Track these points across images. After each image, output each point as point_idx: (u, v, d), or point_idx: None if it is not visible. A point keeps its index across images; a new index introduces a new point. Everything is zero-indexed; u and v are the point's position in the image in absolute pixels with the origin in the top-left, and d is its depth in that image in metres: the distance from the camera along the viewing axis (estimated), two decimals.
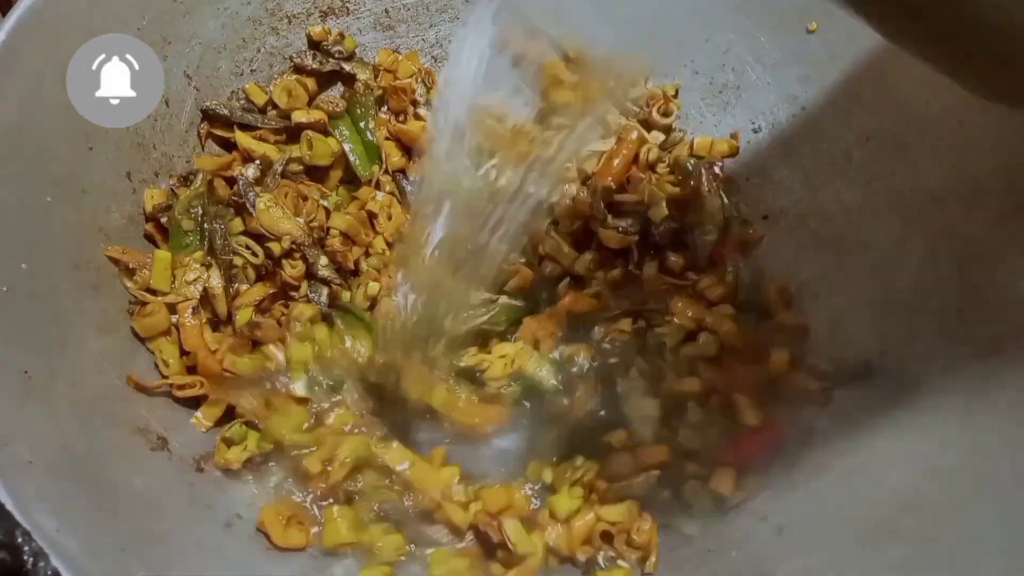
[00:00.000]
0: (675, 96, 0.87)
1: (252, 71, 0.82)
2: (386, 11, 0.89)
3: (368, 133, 0.83)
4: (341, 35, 0.86)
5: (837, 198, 0.78)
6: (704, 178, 0.80)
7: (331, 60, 0.85)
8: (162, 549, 0.52)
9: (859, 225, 0.75)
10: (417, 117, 0.86)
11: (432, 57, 0.92)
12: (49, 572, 0.43)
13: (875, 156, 0.75)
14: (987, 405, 0.57)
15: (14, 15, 0.62)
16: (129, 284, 0.67)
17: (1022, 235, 0.60)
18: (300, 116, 0.80)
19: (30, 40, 0.63)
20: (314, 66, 0.84)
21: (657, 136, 0.85)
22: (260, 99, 0.81)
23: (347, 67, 0.86)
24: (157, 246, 0.71)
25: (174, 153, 0.75)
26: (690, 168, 0.81)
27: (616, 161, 0.82)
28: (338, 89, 0.87)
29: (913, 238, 0.71)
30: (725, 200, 0.80)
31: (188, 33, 0.76)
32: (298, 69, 0.84)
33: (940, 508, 0.55)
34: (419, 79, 0.87)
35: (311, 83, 0.84)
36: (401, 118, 0.86)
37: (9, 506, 0.44)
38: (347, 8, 0.87)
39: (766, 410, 0.68)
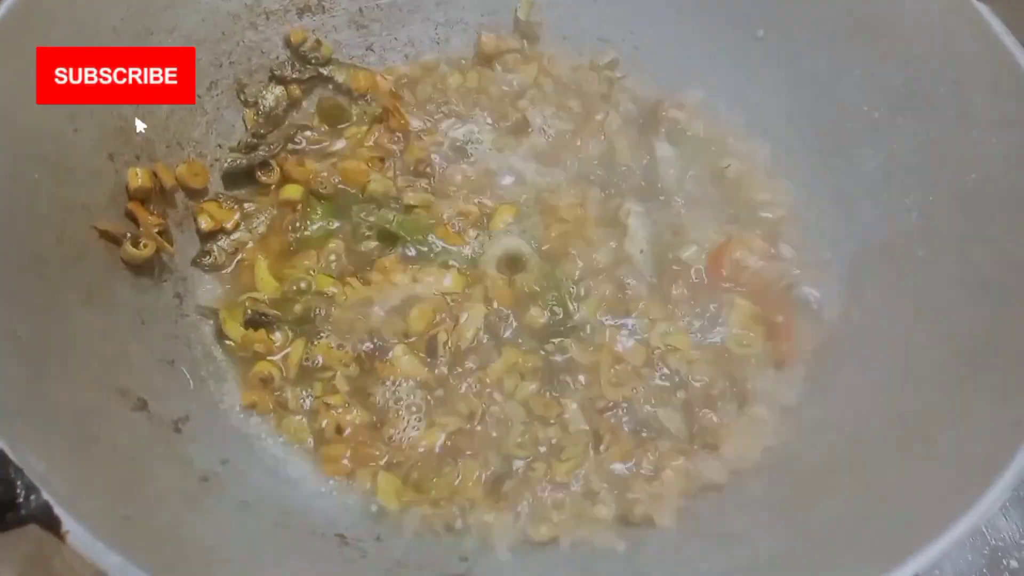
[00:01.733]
0: None
1: (231, 63, 0.87)
2: (360, 10, 0.94)
3: None
4: (318, 42, 0.90)
5: None
6: None
7: (308, 67, 0.89)
8: (144, 495, 0.55)
9: None
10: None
11: (404, 55, 0.96)
12: (40, 504, 0.47)
13: None
14: None
15: (5, 4, 0.66)
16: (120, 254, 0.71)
17: None
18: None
19: (19, 26, 0.66)
20: (294, 76, 0.88)
21: None
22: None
23: (325, 71, 0.91)
24: (138, 224, 0.74)
25: (155, 138, 0.79)
26: None
27: None
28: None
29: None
30: None
31: (170, 25, 0.80)
32: (280, 80, 0.88)
33: None
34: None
35: (296, 90, 0.89)
36: (398, 137, 0.90)
37: (2, 445, 0.48)
38: (323, 6, 0.92)
39: None
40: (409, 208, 0.84)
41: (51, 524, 0.46)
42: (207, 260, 0.80)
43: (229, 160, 0.84)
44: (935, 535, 0.51)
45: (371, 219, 0.83)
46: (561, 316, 0.79)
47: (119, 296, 0.70)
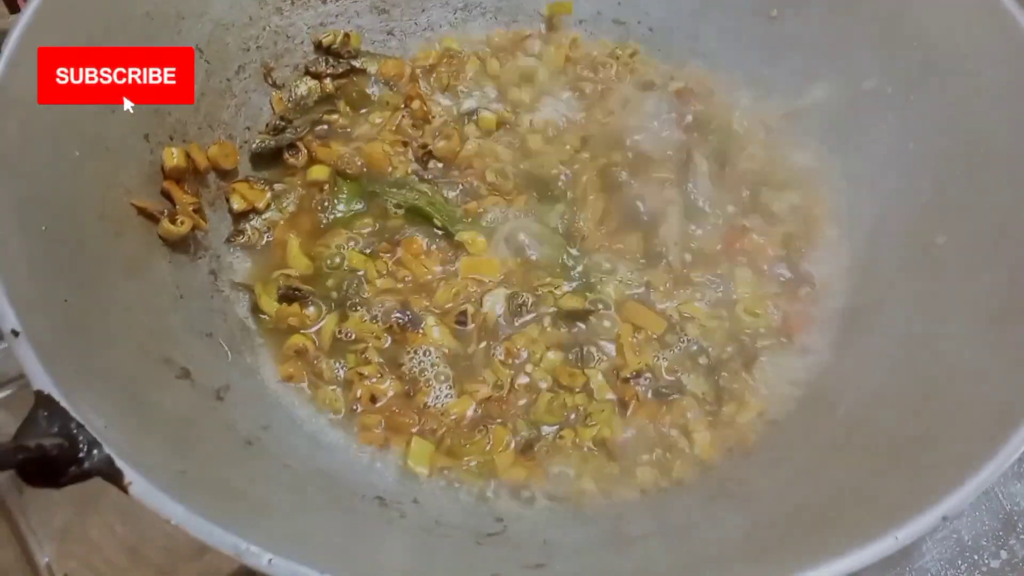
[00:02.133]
0: None
1: (258, 47, 0.89)
2: None
3: None
4: (347, 36, 0.93)
5: None
6: None
7: (341, 61, 0.92)
8: (195, 454, 0.57)
9: None
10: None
11: (424, 39, 0.99)
12: (103, 457, 0.49)
13: None
14: None
15: None
16: (158, 230, 0.73)
17: None
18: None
19: (59, 10, 0.68)
20: (328, 71, 0.91)
21: None
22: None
23: (357, 64, 0.93)
24: (173, 203, 0.76)
25: (187, 119, 0.81)
26: None
27: None
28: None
29: None
30: None
31: (200, 10, 0.82)
32: (314, 75, 0.91)
33: None
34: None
35: (329, 85, 0.92)
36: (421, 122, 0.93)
37: (63, 403, 0.50)
38: None
39: None
40: (433, 188, 0.86)
41: (114, 476, 0.48)
42: (240, 239, 0.82)
43: (258, 141, 0.87)
44: (954, 486, 0.52)
45: (397, 199, 0.85)
46: (582, 295, 0.81)
47: (158, 271, 0.72)
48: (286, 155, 0.87)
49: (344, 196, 0.86)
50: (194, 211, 0.77)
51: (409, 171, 0.88)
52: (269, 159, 0.88)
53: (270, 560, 0.47)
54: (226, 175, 0.84)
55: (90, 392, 0.54)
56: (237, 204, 0.82)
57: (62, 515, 0.80)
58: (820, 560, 0.48)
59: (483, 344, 0.78)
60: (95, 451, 0.49)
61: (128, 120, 0.74)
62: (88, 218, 0.68)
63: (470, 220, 0.85)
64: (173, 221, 0.74)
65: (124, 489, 0.48)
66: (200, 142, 0.82)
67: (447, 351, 0.77)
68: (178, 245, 0.75)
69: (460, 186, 0.87)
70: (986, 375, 0.62)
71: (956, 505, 0.51)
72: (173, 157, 0.76)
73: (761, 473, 0.69)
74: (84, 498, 0.79)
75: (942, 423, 0.60)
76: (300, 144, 0.88)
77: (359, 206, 0.86)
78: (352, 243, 0.83)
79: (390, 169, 0.88)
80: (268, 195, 0.84)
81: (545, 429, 0.74)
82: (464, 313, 0.78)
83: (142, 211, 0.73)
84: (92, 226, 0.67)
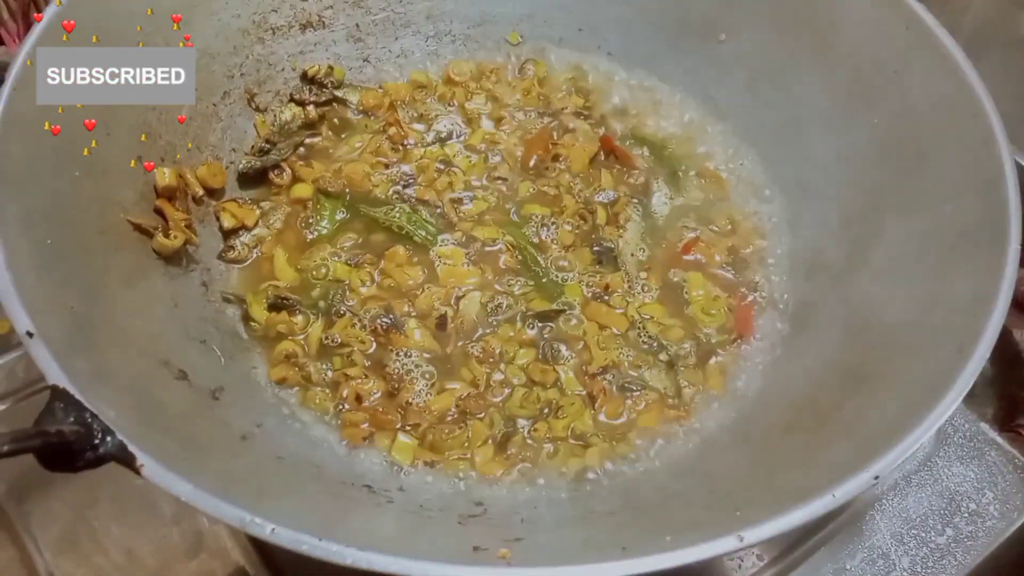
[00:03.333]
0: None
1: (242, 75, 0.94)
2: (357, 25, 1.02)
3: None
4: (331, 67, 0.99)
5: None
6: None
7: (325, 90, 0.98)
8: (197, 445, 0.62)
9: None
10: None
11: (398, 65, 1.05)
12: (117, 443, 0.53)
13: None
14: None
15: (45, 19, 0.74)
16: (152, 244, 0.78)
17: None
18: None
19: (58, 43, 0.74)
20: (312, 99, 0.97)
21: None
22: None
23: (339, 94, 0.99)
24: (166, 220, 0.81)
25: (177, 142, 0.86)
26: None
27: None
28: None
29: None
30: None
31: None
32: (298, 103, 0.97)
33: None
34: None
35: (313, 112, 0.98)
36: (399, 147, 0.99)
37: (77, 395, 0.54)
38: (323, 22, 1.00)
39: None
40: (413, 208, 0.92)
41: (127, 460, 0.53)
42: (231, 254, 0.87)
43: (244, 162, 0.92)
44: (884, 450, 0.59)
45: (378, 217, 0.91)
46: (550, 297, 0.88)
47: (154, 282, 0.77)
48: (271, 175, 0.93)
49: (327, 213, 0.91)
50: (186, 226, 0.82)
51: (390, 192, 0.94)
52: (255, 179, 0.93)
53: (272, 530, 0.51)
54: (215, 194, 0.89)
55: (99, 387, 0.58)
56: (227, 222, 0.87)
57: (61, 523, 0.83)
58: (770, 515, 0.54)
59: (461, 343, 0.83)
60: (108, 437, 0.53)
61: (122, 142, 0.79)
62: (89, 233, 0.72)
63: (448, 234, 0.91)
64: (167, 236, 0.79)
65: (137, 471, 0.53)
66: (189, 163, 0.87)
67: (428, 352, 0.82)
68: (171, 258, 0.80)
69: (438, 208, 0.93)
70: (918, 352, 0.68)
71: (886, 466, 0.58)
72: (165, 177, 0.82)
73: (720, 453, 0.75)
74: (82, 504, 0.83)
75: (879, 396, 0.67)
76: (284, 164, 0.94)
77: (341, 219, 0.91)
78: (336, 256, 0.88)
79: (371, 188, 0.94)
80: (257, 213, 0.89)
81: (520, 423, 0.79)
82: (444, 317, 0.84)
83: (138, 227, 0.77)
84: (93, 240, 0.72)
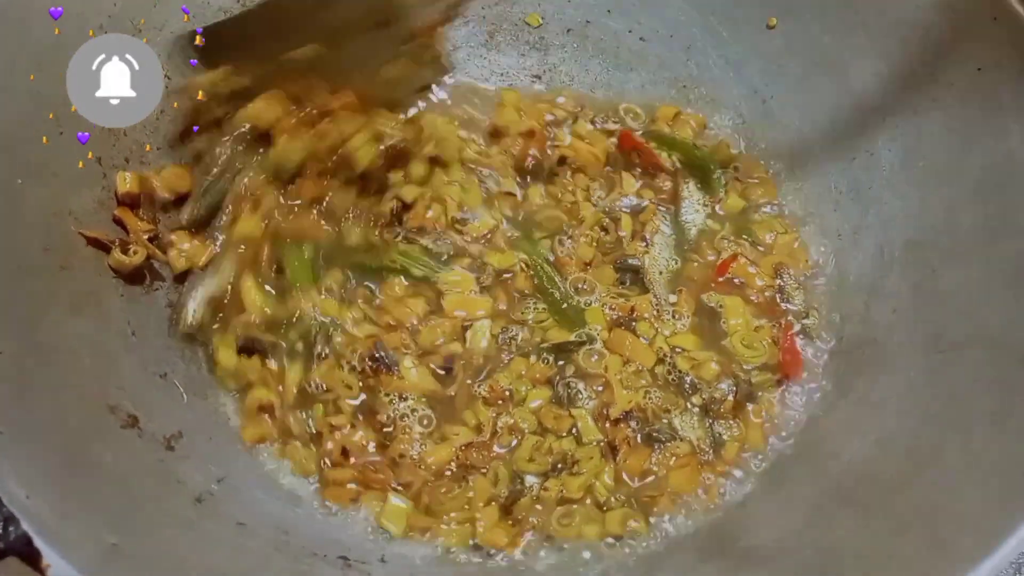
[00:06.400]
0: None
1: None
2: None
3: None
4: None
5: None
6: None
7: None
8: (134, 519, 0.52)
9: None
10: None
11: None
12: (19, 536, 0.44)
13: None
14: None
15: None
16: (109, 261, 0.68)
17: None
18: None
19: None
20: None
21: None
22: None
23: None
24: (126, 230, 0.71)
25: (144, 140, 0.76)
26: None
27: None
28: None
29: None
30: None
31: (159, 22, 0.77)
32: None
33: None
34: None
35: None
36: None
37: None
38: None
39: None
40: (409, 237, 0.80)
41: (30, 557, 0.43)
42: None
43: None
44: (979, 556, 0.47)
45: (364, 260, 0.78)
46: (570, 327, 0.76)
47: (108, 306, 0.67)
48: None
49: (296, 265, 0.76)
50: (150, 239, 0.72)
51: (376, 235, 0.80)
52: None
53: None
54: (181, 199, 0.77)
55: (16, 453, 0.49)
56: (179, 264, 0.73)
57: None
58: None
59: (467, 382, 0.72)
60: (11, 528, 0.44)
61: (78, 142, 0.69)
62: (31, 251, 0.63)
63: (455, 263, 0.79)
64: (125, 251, 0.69)
65: (42, 572, 0.43)
66: (157, 164, 0.76)
67: (426, 394, 0.72)
68: (132, 277, 0.70)
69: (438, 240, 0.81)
70: (1008, 414, 0.56)
71: None
72: (126, 182, 0.71)
73: (757, 530, 0.63)
74: None
75: (959, 477, 0.55)
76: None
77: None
78: (323, 296, 0.75)
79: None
80: (211, 249, 0.75)
81: (529, 479, 0.69)
82: (451, 357, 0.73)
83: (92, 241, 0.68)
84: (35, 260, 0.63)
